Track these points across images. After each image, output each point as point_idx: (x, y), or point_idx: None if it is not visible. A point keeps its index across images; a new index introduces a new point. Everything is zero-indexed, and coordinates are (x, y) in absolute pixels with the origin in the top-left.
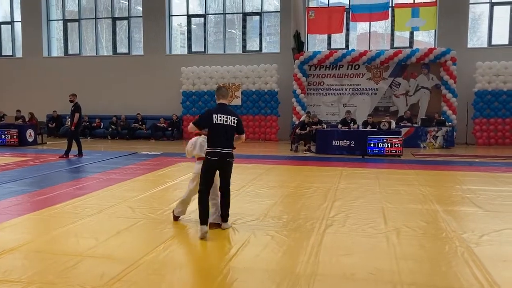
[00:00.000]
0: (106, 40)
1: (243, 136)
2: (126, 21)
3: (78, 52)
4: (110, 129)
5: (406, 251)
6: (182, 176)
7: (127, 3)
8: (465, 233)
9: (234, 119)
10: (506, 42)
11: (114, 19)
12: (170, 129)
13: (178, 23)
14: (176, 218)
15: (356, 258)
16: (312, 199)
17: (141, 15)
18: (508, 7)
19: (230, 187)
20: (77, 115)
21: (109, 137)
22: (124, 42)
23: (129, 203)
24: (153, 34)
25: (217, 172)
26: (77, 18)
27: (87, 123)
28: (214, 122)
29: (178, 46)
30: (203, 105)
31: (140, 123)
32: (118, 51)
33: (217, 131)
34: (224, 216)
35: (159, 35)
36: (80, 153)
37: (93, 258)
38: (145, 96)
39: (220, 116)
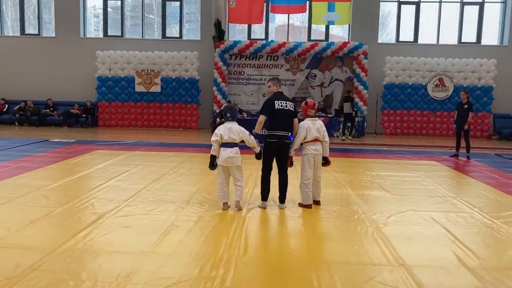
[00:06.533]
0: (12, 19)
1: (296, 120)
2: (35, 0)
3: None
4: (18, 115)
5: (321, 232)
6: (98, 165)
7: None
8: (374, 215)
9: (291, 104)
10: (412, 39)
11: None
12: (84, 115)
13: (92, 5)
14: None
15: (277, 241)
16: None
17: None
18: (414, 6)
19: None
20: None
21: (16, 123)
22: (32, 22)
23: (43, 192)
24: (66, 15)
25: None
26: None
27: None
28: (276, 108)
29: (92, 30)
30: (120, 91)
31: (51, 109)
32: (26, 32)
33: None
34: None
35: (72, 16)
36: None
37: (5, 248)
38: (57, 80)
39: (280, 103)
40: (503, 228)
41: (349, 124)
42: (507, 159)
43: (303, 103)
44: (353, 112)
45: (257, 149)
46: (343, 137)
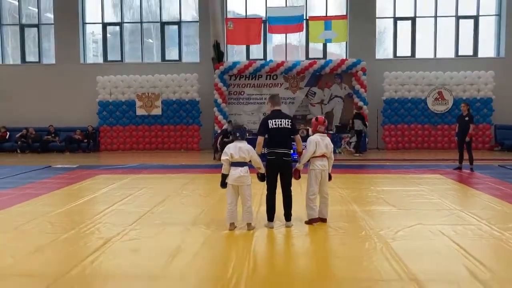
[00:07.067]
0: (12, 48)
1: (298, 137)
2: (34, 29)
3: None
4: (20, 142)
5: (330, 249)
6: (102, 189)
7: (36, 10)
8: (382, 230)
9: (288, 122)
10: (409, 54)
11: (22, 26)
12: (85, 141)
13: (91, 31)
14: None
15: (286, 259)
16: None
17: (52, 22)
18: (409, 21)
19: None
20: None
21: (18, 151)
22: (33, 50)
23: (48, 218)
24: (66, 42)
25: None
26: None
27: None
28: (270, 127)
29: (91, 55)
30: (121, 115)
31: (53, 135)
32: (27, 60)
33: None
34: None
35: (72, 43)
36: None
37: (12, 276)
38: (58, 107)
39: (275, 121)
40: None
41: (351, 140)
42: (511, 170)
43: (313, 119)
44: (364, 128)
45: (262, 170)
46: (358, 154)
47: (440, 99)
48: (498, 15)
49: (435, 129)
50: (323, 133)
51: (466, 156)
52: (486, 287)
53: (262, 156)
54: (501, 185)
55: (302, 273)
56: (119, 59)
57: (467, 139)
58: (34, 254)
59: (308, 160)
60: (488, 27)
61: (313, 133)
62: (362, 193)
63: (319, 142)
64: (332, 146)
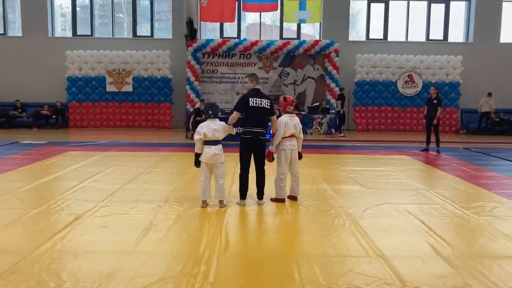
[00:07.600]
0: None
1: (274, 118)
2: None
3: None
4: None
5: (300, 226)
6: (72, 166)
7: None
8: (350, 208)
9: (267, 102)
10: (381, 37)
11: None
12: (54, 116)
13: (59, 4)
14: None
15: (257, 236)
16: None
17: None
18: (383, 4)
19: None
20: None
21: None
22: None
23: (16, 194)
24: (33, 14)
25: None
26: None
27: None
28: (250, 105)
29: (59, 29)
30: (91, 91)
31: (19, 110)
32: None
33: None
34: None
35: (39, 16)
36: None
37: None
38: (25, 81)
39: (256, 100)
40: (474, 218)
41: (322, 121)
42: (475, 152)
43: (281, 99)
44: (342, 110)
45: (233, 132)
46: (341, 135)
47: (410, 82)
48: (468, 0)
49: (404, 111)
50: (291, 113)
51: (433, 138)
52: (448, 262)
53: (236, 136)
54: (465, 167)
55: (274, 249)
56: (89, 33)
57: (435, 122)
58: (3, 230)
59: None
60: (458, 12)
61: (282, 113)
62: (332, 173)
63: (288, 123)
64: (301, 126)
